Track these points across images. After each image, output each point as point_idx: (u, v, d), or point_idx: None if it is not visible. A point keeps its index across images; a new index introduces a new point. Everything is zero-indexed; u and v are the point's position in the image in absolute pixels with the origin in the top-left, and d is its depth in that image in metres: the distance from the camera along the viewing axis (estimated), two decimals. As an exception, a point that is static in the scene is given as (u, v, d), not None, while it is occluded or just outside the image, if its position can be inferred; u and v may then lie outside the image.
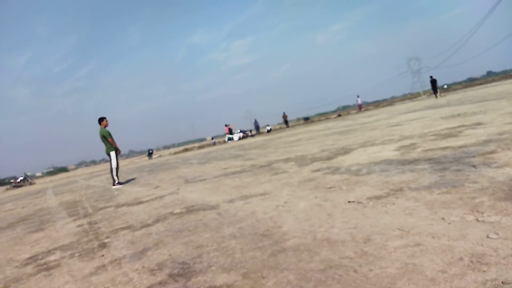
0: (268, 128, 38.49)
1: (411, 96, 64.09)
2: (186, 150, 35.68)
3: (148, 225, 3.92)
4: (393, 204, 2.87)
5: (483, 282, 1.56)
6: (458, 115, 8.99)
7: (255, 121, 39.34)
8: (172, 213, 4.26)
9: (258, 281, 2.00)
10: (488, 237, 1.97)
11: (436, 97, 28.19)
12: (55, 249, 3.73)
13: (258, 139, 23.78)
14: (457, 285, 1.58)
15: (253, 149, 13.50)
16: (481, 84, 43.81)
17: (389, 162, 4.66)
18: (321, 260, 2.11)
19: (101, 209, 5.87)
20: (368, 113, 29.76)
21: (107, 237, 3.75)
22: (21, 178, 31.08)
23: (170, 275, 2.35)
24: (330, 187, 3.92)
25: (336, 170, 4.87)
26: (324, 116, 70.68)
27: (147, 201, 5.65)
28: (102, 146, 9.30)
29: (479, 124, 6.41)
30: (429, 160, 4.25)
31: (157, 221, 4.03)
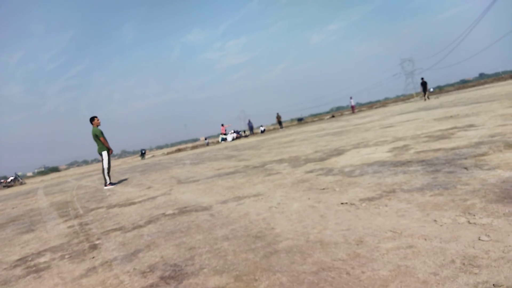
0: (262, 128, 38.51)
1: (404, 98, 64.55)
2: (179, 150, 35.57)
3: (140, 226, 3.88)
4: (386, 205, 2.88)
5: (475, 285, 1.56)
6: (451, 117, 9.06)
7: (249, 121, 39.32)
8: (164, 214, 4.23)
9: (250, 284, 1.99)
10: (479, 239, 1.98)
11: (424, 99, 28.39)
12: (45, 250, 3.68)
13: (252, 139, 23.77)
14: (449, 288, 1.58)
15: (247, 149, 13.48)
16: (473, 86, 44.24)
17: (382, 163, 4.68)
18: (313, 262, 2.10)
19: (92, 210, 5.82)
20: (361, 114, 29.89)
21: (98, 239, 3.71)
22: (12, 178, 30.75)
23: (162, 278, 2.33)
24: (323, 189, 3.92)
25: (329, 172, 4.88)
26: (317, 117, 70.92)
27: (139, 202, 5.61)
28: (94, 146, 9.23)
29: (471, 126, 6.46)
30: (421, 162, 4.26)
31: (149, 222, 4.00)
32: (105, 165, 9.15)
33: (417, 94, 38.19)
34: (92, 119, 9.19)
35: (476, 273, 1.65)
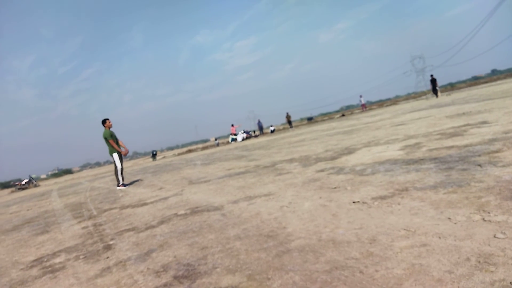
0: (272, 128, 38.47)
1: (416, 95, 63.89)
2: (189, 151, 35.74)
3: (153, 226, 3.92)
4: (399, 204, 2.85)
5: (491, 283, 1.55)
6: (463, 114, 8.94)
7: (259, 121, 39.32)
8: (176, 215, 4.26)
9: (263, 283, 1.99)
10: (495, 237, 1.95)
11: (437, 96, 28.00)
12: (60, 251, 3.74)
13: (262, 139, 23.77)
14: (465, 286, 1.57)
15: (257, 149, 13.49)
16: (485, 82, 43.55)
17: (394, 161, 4.64)
18: (326, 261, 2.09)
19: (105, 211, 5.89)
20: (372, 112, 29.67)
21: (112, 239, 3.76)
22: (26, 180, 31.22)
23: (175, 277, 2.34)
24: (335, 188, 3.91)
25: (340, 170, 4.86)
26: (327, 116, 70.57)
27: (152, 202, 5.66)
28: (106, 148, 9.31)
29: (484, 122, 6.37)
30: (434, 159, 4.22)
31: (161, 222, 4.03)
32: (118, 166, 9.23)
33: (429, 91, 37.76)
34: (103, 122, 9.27)
35: (492, 271, 1.63)
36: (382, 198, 3.12)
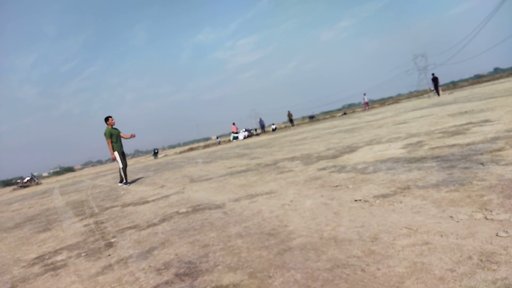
0: (273, 127, 38.45)
1: (418, 94, 63.73)
2: (191, 149, 35.75)
3: (154, 224, 3.92)
4: (400, 202, 2.85)
5: (493, 281, 1.54)
6: (465, 112, 8.92)
7: (260, 119, 39.31)
8: (178, 213, 4.26)
9: (264, 281, 1.99)
10: (497, 235, 1.94)
11: (438, 95, 27.90)
12: (62, 249, 3.75)
13: (263, 138, 23.77)
14: (467, 284, 1.56)
15: (258, 148, 13.49)
16: (488, 81, 43.41)
17: (396, 160, 4.63)
18: (328, 259, 2.09)
19: (107, 208, 5.90)
20: (374, 111, 29.62)
21: (113, 237, 3.76)
22: (28, 178, 31.29)
23: (177, 275, 2.34)
24: (336, 186, 3.90)
25: (342, 169, 4.85)
26: (329, 114, 70.47)
27: (153, 200, 5.66)
28: (107, 146, 9.26)
29: (486, 121, 6.35)
30: (436, 158, 4.21)
31: (163, 220, 4.03)
32: (120, 165, 9.23)
33: (431, 89, 37.70)
34: (106, 119, 9.20)
35: (494, 270, 1.62)
36: (384, 196, 3.11)
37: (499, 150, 3.88)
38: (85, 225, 4.78)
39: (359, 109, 51.54)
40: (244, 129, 35.39)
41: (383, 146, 6.11)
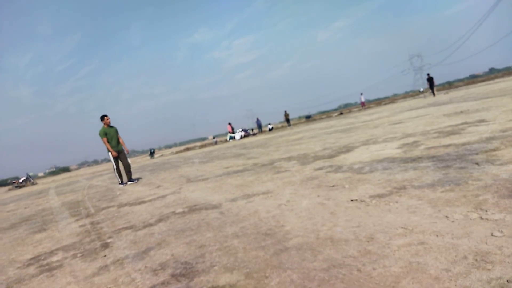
0: (270, 126, 38.47)
1: (413, 94, 63.97)
2: (187, 149, 35.69)
3: (151, 224, 3.91)
4: (396, 202, 2.86)
5: (488, 281, 1.55)
6: (461, 112, 8.96)
7: (257, 119, 39.33)
8: (174, 213, 4.26)
9: (261, 281, 1.99)
10: (492, 235, 1.95)
11: (434, 95, 28.00)
12: (57, 249, 3.73)
13: (260, 137, 23.78)
14: (462, 284, 1.57)
15: (255, 147, 13.49)
16: (483, 81, 43.63)
17: (392, 160, 4.64)
18: (324, 259, 2.09)
19: (103, 209, 5.88)
20: (370, 110, 29.70)
21: (109, 237, 3.75)
22: (23, 178, 31.16)
23: (173, 275, 2.34)
24: (333, 186, 3.91)
25: (338, 169, 4.86)
26: (326, 114, 70.58)
27: (149, 200, 5.65)
28: (103, 146, 9.18)
29: (482, 121, 6.39)
30: (432, 157, 4.23)
31: (159, 220, 4.02)
32: (113, 166, 9.17)
33: (426, 89, 37.89)
34: (101, 118, 9.02)
35: (489, 269, 1.63)
36: (380, 196, 3.12)
37: (494, 150, 3.90)
38: (81, 226, 4.77)
39: (355, 109, 51.65)
40: (240, 129, 35.39)
41: (379, 146, 6.13)
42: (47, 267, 3.18)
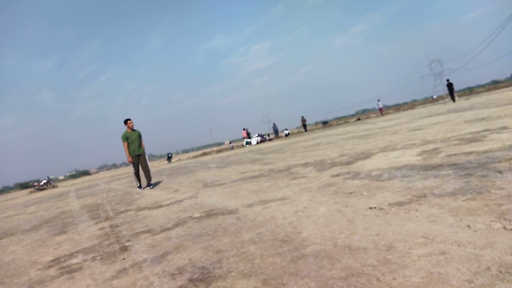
0: (286, 132, 38.40)
1: (433, 100, 62.90)
2: (204, 154, 35.92)
3: (168, 229, 3.95)
4: (417, 210, 2.81)
5: (513, 294, 1.50)
6: (482, 118, 8.77)
7: (274, 125, 39.33)
8: (191, 217, 4.29)
9: (278, 288, 1.98)
10: (517, 246, 1.90)
11: (454, 101, 27.50)
12: (77, 252, 3.80)
13: (276, 143, 23.75)
14: (485, 296, 1.53)
15: (271, 153, 13.48)
16: (505, 86, 42.62)
17: (411, 167, 4.57)
18: (342, 267, 2.07)
19: (122, 212, 5.96)
20: (388, 116, 29.34)
21: (128, 241, 3.80)
22: (45, 181, 31.82)
23: (190, 280, 2.35)
24: (350, 193, 3.87)
25: (356, 175, 4.81)
26: (343, 120, 70.03)
27: (167, 204, 5.70)
28: (122, 150, 9.28)
29: (504, 128, 6.23)
30: (453, 165, 4.14)
31: (176, 225, 4.05)
32: (133, 170, 9.32)
33: (447, 95, 37.23)
34: (125, 122, 9.16)
35: (514, 282, 1.59)
36: (400, 204, 3.07)
37: (518, 158, 3.80)
38: (100, 229, 4.84)
39: (373, 115, 51.11)
40: (257, 134, 35.44)
41: (398, 153, 6.04)
42: (67, 269, 3.23)
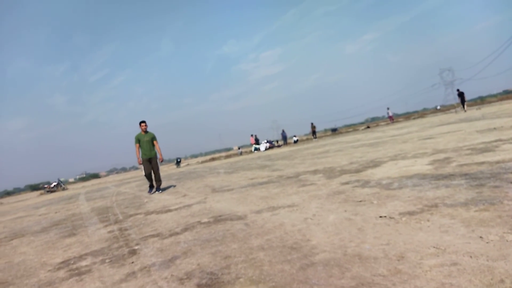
0: (295, 139, 38.32)
1: (444, 108, 62.32)
2: (213, 159, 36.00)
3: (177, 233, 3.95)
4: (428, 220, 2.78)
5: (528, 307, 1.48)
6: (494, 128, 8.66)
7: (283, 131, 39.30)
8: (200, 222, 4.29)
9: (287, 295, 1.97)
10: (531, 259, 1.87)
11: (465, 110, 27.26)
12: (86, 254, 3.82)
13: (285, 149, 23.71)
14: (499, 309, 1.50)
15: (280, 159, 13.45)
16: (518, 96, 42.04)
17: (422, 176, 4.53)
18: (352, 276, 2.05)
19: (131, 216, 5.99)
20: (398, 125, 29.14)
21: (137, 244, 3.81)
22: (55, 183, 32.11)
23: (199, 285, 2.35)
24: (360, 201, 3.85)
25: (366, 184, 4.78)
26: (352, 127, 69.72)
27: (176, 209, 5.72)
28: (132, 153, 9.32)
29: (517, 138, 6.14)
30: (465, 175, 4.09)
31: (185, 229, 4.06)
32: (143, 172, 9.33)
33: (458, 104, 36.92)
34: (139, 124, 9.16)
35: (528, 295, 1.56)
36: (410, 213, 3.04)
37: (532, 169, 3.74)
38: (109, 232, 4.87)
39: (383, 123, 50.80)
40: (265, 141, 35.44)
41: (409, 162, 5.99)
42: (76, 271, 3.25)
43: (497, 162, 4.42)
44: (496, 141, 6.38)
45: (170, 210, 5.72)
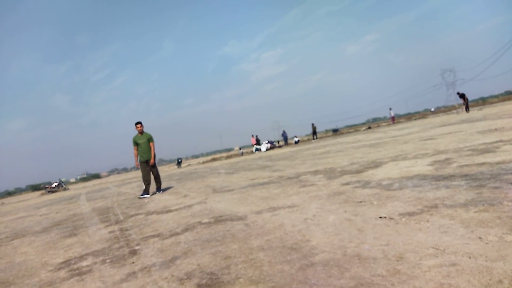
0: (296, 139, 38.32)
1: (445, 109, 62.21)
2: (214, 159, 36.02)
3: (177, 233, 3.96)
4: (427, 221, 2.78)
5: (526, 308, 1.48)
6: (496, 129, 8.66)
7: (284, 132, 39.31)
8: (200, 223, 4.30)
9: (286, 296, 1.98)
10: (530, 259, 1.87)
11: (467, 111, 27.26)
12: (87, 254, 3.83)
13: (286, 150, 23.71)
14: (497, 310, 1.51)
15: (281, 160, 13.46)
16: (519, 97, 41.99)
17: (423, 177, 4.53)
18: (351, 276, 2.06)
19: (131, 216, 6.00)
20: (399, 125, 29.13)
21: (137, 244, 3.82)
22: (56, 183, 32.13)
23: (199, 285, 2.36)
24: (360, 202, 3.85)
25: (366, 184, 4.78)
26: (353, 128, 69.68)
27: (176, 210, 5.73)
28: (132, 154, 9.22)
29: (518, 139, 6.14)
30: (465, 176, 4.10)
31: (185, 230, 4.07)
32: (142, 174, 9.09)
33: (459, 105, 36.90)
34: (135, 125, 8.96)
35: (526, 296, 1.56)
36: (410, 214, 3.05)
37: (532, 170, 3.75)
38: (110, 232, 4.88)
39: (384, 124, 50.78)
40: (266, 141, 35.44)
41: (409, 163, 6.00)
42: (77, 271, 3.27)
43: (498, 163, 4.43)
44: (497, 142, 6.38)
45: (170, 211, 5.73)
